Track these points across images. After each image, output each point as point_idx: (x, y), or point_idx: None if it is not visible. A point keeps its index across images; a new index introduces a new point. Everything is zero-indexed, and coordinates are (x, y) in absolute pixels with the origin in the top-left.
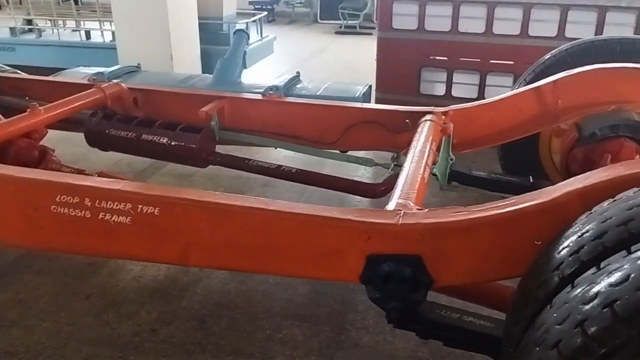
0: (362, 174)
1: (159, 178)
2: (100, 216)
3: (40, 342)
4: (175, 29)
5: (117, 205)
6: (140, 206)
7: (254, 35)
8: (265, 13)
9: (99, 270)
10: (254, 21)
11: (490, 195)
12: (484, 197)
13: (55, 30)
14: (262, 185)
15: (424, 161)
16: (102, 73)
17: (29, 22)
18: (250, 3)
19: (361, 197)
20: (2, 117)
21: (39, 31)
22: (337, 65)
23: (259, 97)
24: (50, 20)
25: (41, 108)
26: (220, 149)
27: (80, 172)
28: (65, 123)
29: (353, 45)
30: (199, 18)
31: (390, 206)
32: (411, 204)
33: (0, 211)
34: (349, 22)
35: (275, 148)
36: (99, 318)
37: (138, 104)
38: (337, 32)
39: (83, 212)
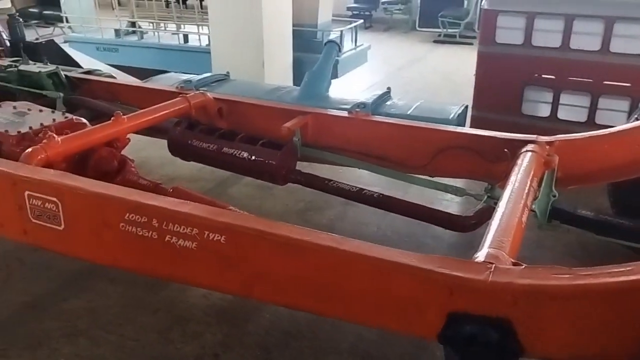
0: (449, 203)
1: (241, 188)
2: (167, 238)
3: (104, 356)
4: (269, 36)
5: (183, 229)
6: (206, 232)
7: (348, 44)
8: (361, 21)
9: (169, 283)
10: (349, 29)
11: (597, 239)
12: (589, 240)
13: (156, 33)
14: (343, 203)
15: (522, 201)
16: (190, 81)
17: (133, 24)
18: (348, 9)
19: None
20: (88, 124)
21: (141, 33)
22: (433, 76)
23: (345, 114)
24: (152, 23)
25: (124, 117)
26: (300, 165)
27: (155, 185)
28: (150, 130)
29: (451, 55)
30: (293, 25)
31: (480, 257)
32: (504, 255)
33: (73, 223)
34: (449, 30)
35: (359, 169)
36: (164, 335)
37: (222, 114)
38: (435, 41)
39: (150, 232)
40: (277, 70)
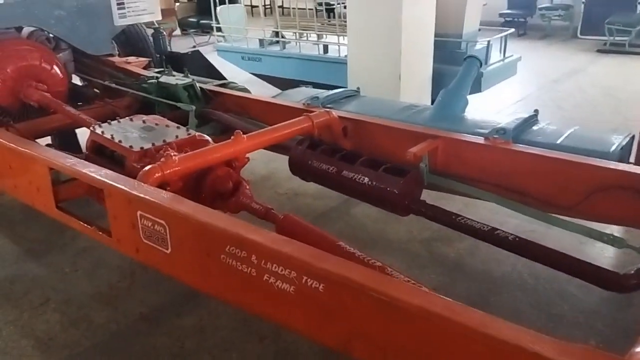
0: (599, 252)
1: (365, 209)
2: (265, 277)
3: None
4: (407, 46)
5: (282, 270)
6: (305, 277)
7: (495, 55)
8: (512, 30)
9: None
10: (498, 39)
11: None
12: None
13: (297, 43)
14: None
15: None
16: (317, 97)
17: (277, 34)
18: (500, 15)
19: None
20: (210, 141)
21: (284, 43)
22: (593, 91)
23: (481, 140)
24: (295, 33)
25: (244, 136)
26: (427, 194)
27: (267, 211)
28: (273, 146)
29: (618, 67)
30: (435, 35)
31: (636, 351)
32: None
33: (178, 248)
34: (616, 39)
35: (493, 203)
36: None
37: (347, 133)
38: (599, 50)
39: (249, 268)
40: (414, 84)
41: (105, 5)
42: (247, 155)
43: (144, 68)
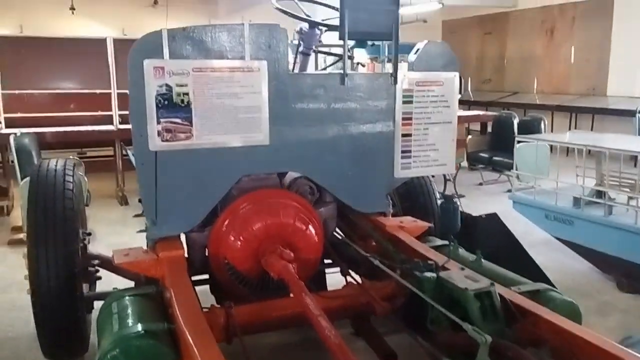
0: None
1: None
2: None
3: None
4: None
5: None
6: None
7: None
8: None
9: None
10: None
11: None
12: None
13: (631, 210)
14: None
15: None
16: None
17: (600, 193)
18: None
19: None
20: None
21: (609, 207)
22: None
23: None
24: (630, 196)
25: None
26: None
27: None
28: None
29: None
30: None
31: None
32: None
33: None
34: None
35: None
36: None
37: None
38: None
39: None
40: None
41: (386, 153)
42: None
43: (422, 234)
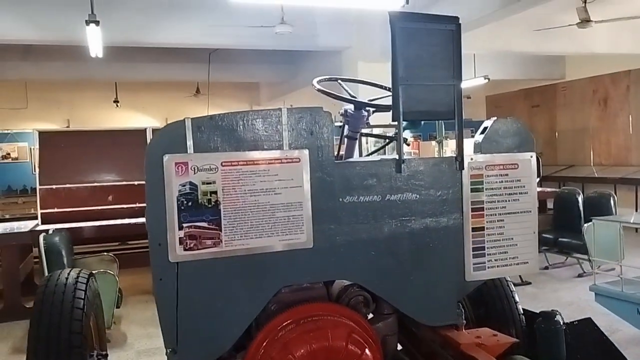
0: None
1: None
2: None
3: None
4: None
5: None
6: None
7: None
8: None
9: None
10: None
11: None
12: None
13: None
14: None
15: None
16: None
17: None
18: None
19: None
20: None
21: None
22: None
23: None
24: None
25: None
26: None
27: None
28: None
29: None
30: None
31: None
32: None
33: None
34: None
35: None
36: None
37: None
38: None
39: None
40: None
41: (454, 252)
42: None
43: (506, 352)
